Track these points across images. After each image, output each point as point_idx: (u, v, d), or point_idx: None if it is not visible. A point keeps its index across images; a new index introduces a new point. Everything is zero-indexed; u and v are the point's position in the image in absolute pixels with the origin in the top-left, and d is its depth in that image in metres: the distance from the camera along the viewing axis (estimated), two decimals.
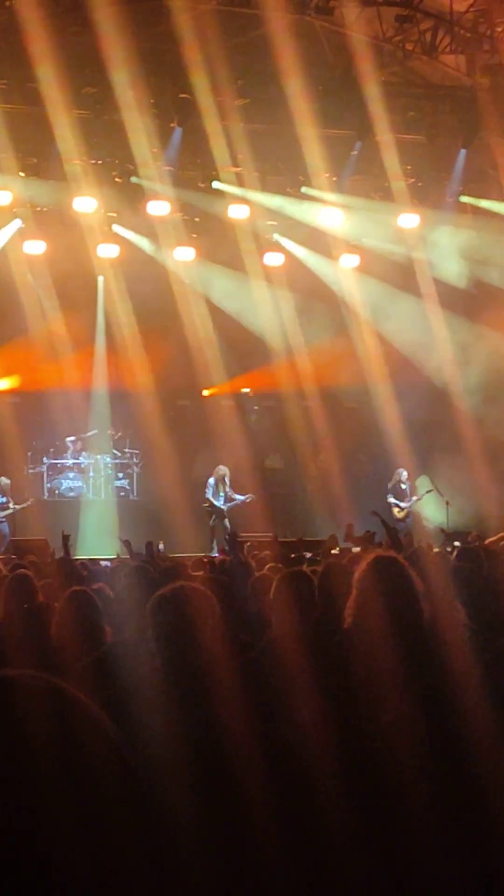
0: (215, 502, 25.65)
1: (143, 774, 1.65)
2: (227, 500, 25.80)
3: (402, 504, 26.31)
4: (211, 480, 25.93)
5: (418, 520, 26.16)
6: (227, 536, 17.09)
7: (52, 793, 1.47)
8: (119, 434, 27.97)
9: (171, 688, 4.29)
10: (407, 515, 26.14)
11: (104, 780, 1.52)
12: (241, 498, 25.79)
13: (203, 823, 3.74)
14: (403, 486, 26.53)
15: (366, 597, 5.05)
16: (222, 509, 25.64)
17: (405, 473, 26.54)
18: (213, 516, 25.67)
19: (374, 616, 5.00)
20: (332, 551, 16.45)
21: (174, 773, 3.99)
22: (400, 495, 26.49)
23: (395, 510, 26.04)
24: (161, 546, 21.25)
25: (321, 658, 5.25)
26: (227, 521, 25.25)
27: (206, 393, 28.89)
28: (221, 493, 25.84)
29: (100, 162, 24.67)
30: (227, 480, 25.98)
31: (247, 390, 29.95)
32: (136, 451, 27.74)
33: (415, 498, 26.39)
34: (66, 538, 15.92)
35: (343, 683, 5.02)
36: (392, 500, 26.27)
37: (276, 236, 27.94)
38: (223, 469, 26.14)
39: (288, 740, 4.77)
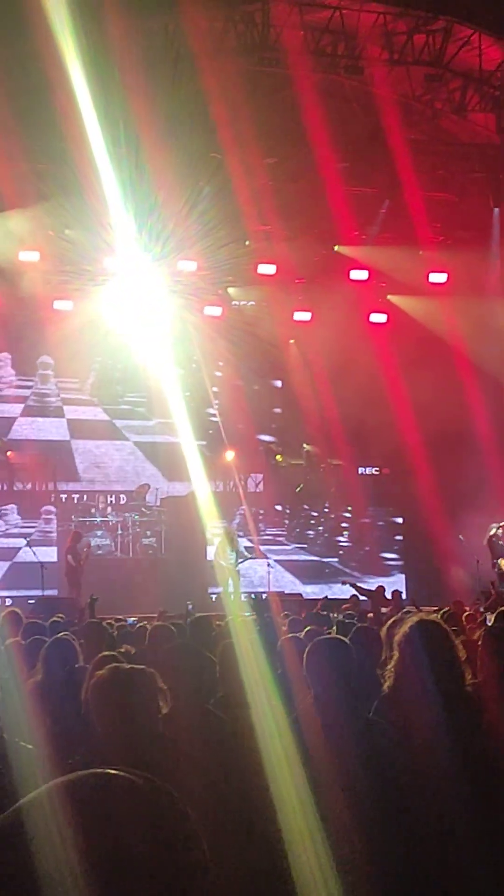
0: (223, 562, 25.21)
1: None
2: (240, 556, 25.53)
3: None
4: (219, 539, 25.50)
5: None
6: (252, 596, 16.94)
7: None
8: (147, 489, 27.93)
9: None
10: None
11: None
12: (251, 556, 25.50)
13: None
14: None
15: (407, 660, 4.97)
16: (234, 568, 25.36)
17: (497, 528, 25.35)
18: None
19: (415, 680, 4.91)
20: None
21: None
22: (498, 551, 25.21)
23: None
24: (190, 606, 21.09)
25: (360, 723, 5.13)
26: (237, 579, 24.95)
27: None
28: (233, 551, 25.50)
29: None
30: (237, 538, 25.62)
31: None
32: (164, 510, 27.63)
33: None
34: (92, 601, 15.81)
35: (381, 749, 4.88)
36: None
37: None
38: (233, 527, 26.06)
39: (330, 809, 4.62)
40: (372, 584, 25.46)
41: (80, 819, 1.49)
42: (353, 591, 22.84)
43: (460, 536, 25.75)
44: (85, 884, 1.44)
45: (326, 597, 21.10)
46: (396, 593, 22.34)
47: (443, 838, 4.53)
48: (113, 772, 1.57)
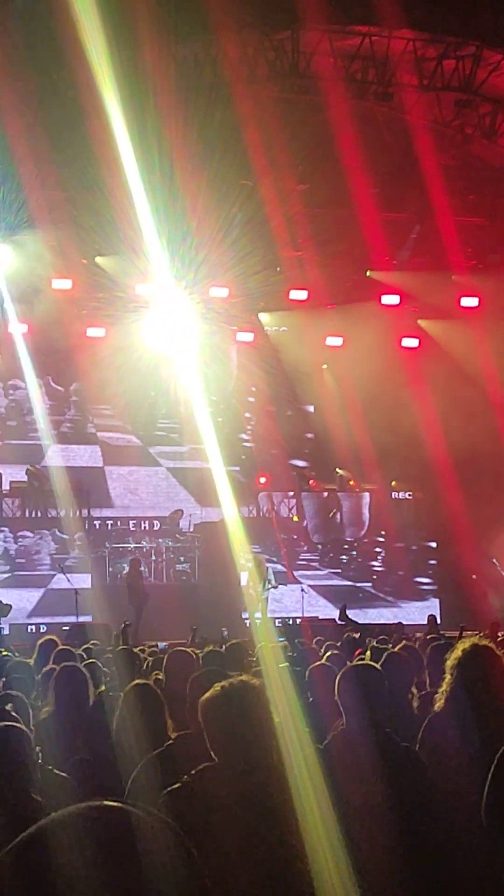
0: (251, 590, 25.15)
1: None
2: (267, 584, 25.54)
3: None
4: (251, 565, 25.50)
5: None
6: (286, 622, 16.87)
7: None
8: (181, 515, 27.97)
9: (227, 789, 4.15)
10: None
11: None
12: (272, 586, 25.42)
13: None
14: None
15: (459, 683, 4.97)
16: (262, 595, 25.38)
17: None
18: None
19: (468, 703, 4.92)
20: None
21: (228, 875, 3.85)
22: None
23: None
24: (225, 632, 21.09)
25: (391, 749, 5.12)
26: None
27: None
28: (261, 579, 25.45)
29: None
30: (264, 565, 25.60)
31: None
32: (197, 535, 27.64)
33: None
34: (126, 627, 15.82)
35: (406, 779, 4.86)
36: None
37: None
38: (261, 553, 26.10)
39: (358, 841, 4.60)
40: (406, 608, 25.47)
41: (93, 845, 1.59)
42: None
43: (494, 560, 25.64)
44: None
45: (343, 607, 20.62)
46: (431, 618, 22.26)
47: (479, 871, 4.50)
48: (126, 806, 1.66)
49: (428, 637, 14.23)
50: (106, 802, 1.66)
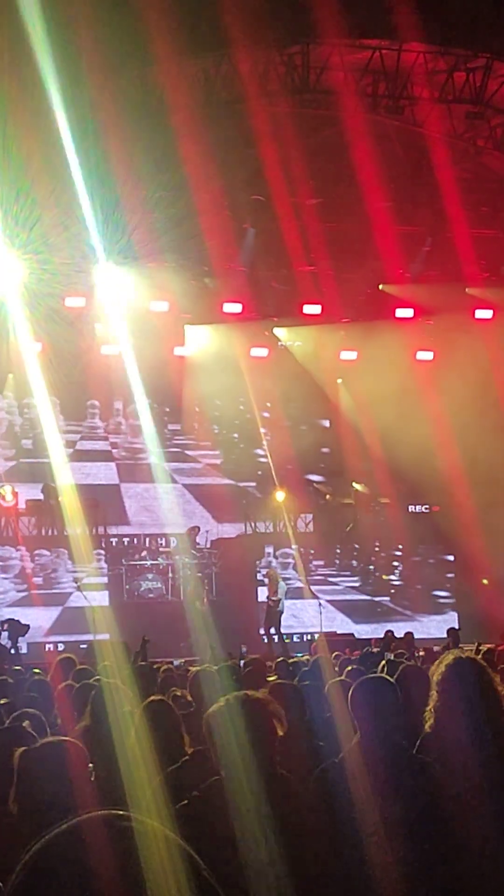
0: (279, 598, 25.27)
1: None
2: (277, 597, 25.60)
3: None
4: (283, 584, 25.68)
5: None
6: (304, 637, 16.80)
7: None
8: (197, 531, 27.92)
9: (234, 803, 4.12)
10: None
11: None
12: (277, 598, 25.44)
13: None
14: None
15: (445, 700, 4.91)
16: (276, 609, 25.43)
17: None
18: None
19: (454, 719, 4.85)
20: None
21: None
22: None
23: None
24: (244, 649, 21.05)
25: (402, 766, 5.06)
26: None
27: None
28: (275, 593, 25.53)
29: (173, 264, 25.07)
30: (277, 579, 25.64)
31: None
32: (214, 551, 27.59)
33: None
34: (145, 643, 15.77)
35: (421, 793, 4.80)
36: None
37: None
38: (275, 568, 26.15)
39: (364, 855, 4.56)
40: (424, 622, 25.37)
41: (107, 850, 1.65)
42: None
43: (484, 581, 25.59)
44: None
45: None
46: (453, 631, 22.10)
47: (486, 877, 4.46)
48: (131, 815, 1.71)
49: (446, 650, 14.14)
50: (111, 812, 1.71)
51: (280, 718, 4.42)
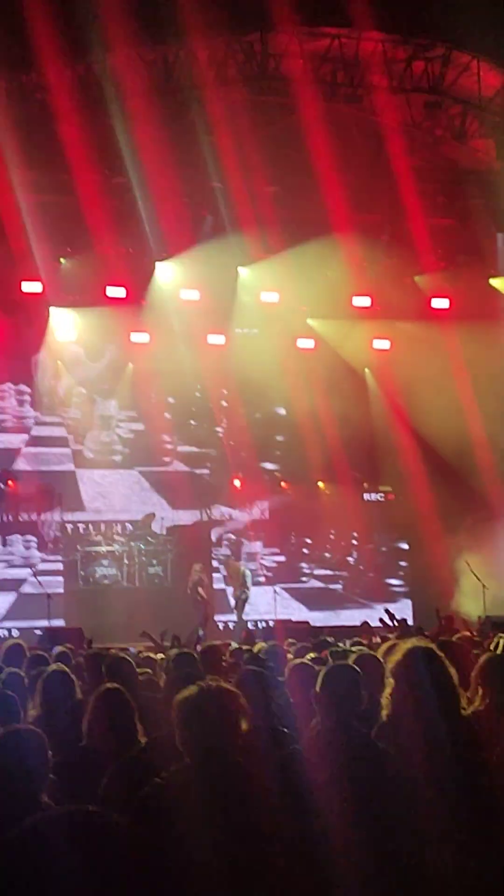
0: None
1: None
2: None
3: None
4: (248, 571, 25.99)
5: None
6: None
7: None
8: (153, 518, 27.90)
9: (201, 790, 4.14)
10: None
11: None
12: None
13: None
14: None
15: (402, 688, 4.95)
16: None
17: None
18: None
19: (411, 707, 4.90)
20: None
21: (203, 875, 3.84)
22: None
23: None
24: (201, 632, 21.12)
25: (362, 752, 5.11)
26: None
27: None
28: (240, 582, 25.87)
29: (131, 250, 25.01)
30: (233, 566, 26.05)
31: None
32: (170, 538, 27.58)
33: None
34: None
35: (380, 780, 4.86)
36: None
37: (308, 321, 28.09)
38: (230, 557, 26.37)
39: (323, 838, 4.61)
40: (378, 609, 25.47)
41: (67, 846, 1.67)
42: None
43: (466, 562, 25.64)
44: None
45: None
46: (403, 621, 22.19)
47: (439, 858, 4.52)
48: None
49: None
50: (73, 808, 1.75)
51: (245, 712, 4.45)
